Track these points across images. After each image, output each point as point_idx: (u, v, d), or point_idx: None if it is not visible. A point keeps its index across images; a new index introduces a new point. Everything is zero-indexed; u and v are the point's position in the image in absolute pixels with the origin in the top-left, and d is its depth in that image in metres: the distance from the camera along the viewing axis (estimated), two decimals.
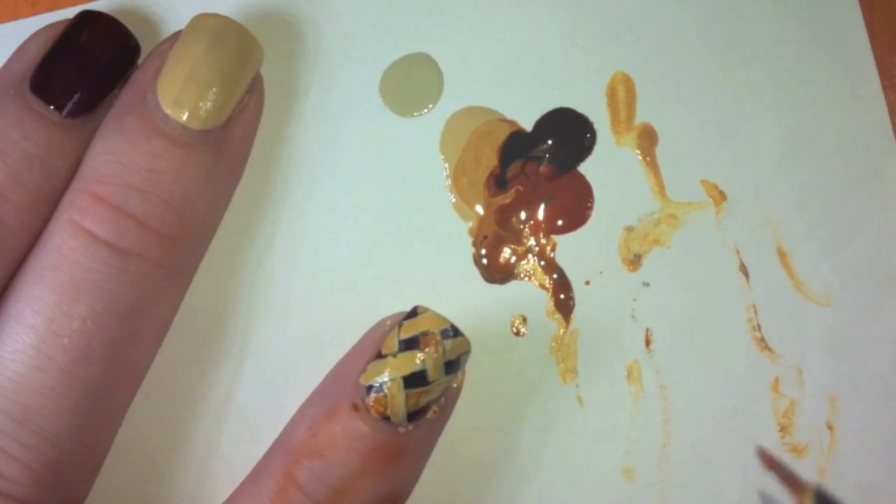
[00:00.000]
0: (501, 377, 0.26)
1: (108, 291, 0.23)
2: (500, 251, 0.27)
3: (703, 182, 0.27)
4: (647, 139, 0.27)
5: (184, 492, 0.26)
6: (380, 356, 0.23)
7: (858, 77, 0.27)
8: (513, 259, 0.27)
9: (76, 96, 0.24)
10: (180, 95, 0.23)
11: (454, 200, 0.27)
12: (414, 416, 0.23)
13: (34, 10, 0.27)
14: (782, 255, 0.27)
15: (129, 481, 0.26)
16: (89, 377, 0.23)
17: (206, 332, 0.26)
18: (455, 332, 0.23)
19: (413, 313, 0.24)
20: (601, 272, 0.27)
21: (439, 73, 0.27)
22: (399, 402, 0.23)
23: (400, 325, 0.23)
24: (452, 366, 0.23)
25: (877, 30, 0.27)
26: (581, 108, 0.27)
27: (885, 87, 0.27)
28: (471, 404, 0.26)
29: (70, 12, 0.25)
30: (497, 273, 0.27)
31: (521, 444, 0.26)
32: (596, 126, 0.27)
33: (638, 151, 0.27)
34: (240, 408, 0.26)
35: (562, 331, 0.27)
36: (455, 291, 0.27)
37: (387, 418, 0.23)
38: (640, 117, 0.27)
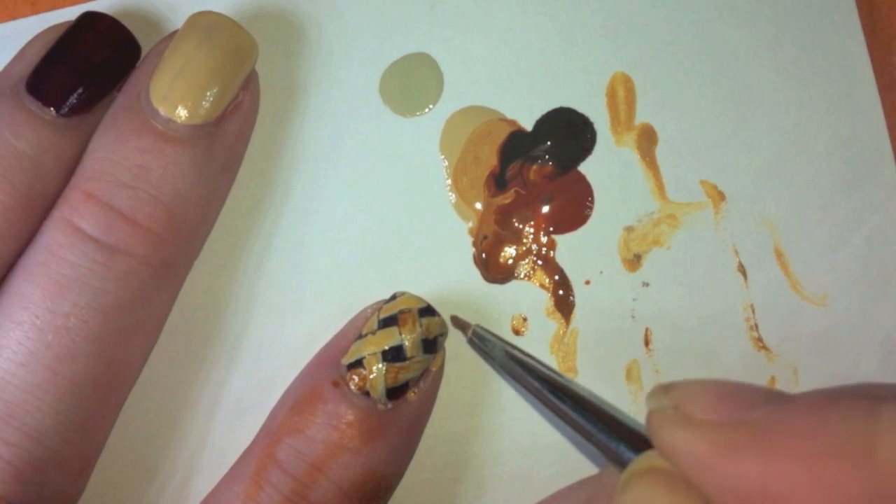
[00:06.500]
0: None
1: (94, 288, 0.23)
2: (500, 251, 0.27)
3: (702, 182, 0.27)
4: (647, 139, 0.27)
5: (180, 491, 0.26)
6: (360, 337, 0.24)
7: (855, 79, 0.27)
8: (512, 259, 0.27)
9: (71, 96, 0.24)
10: (170, 91, 0.23)
11: (454, 200, 0.27)
12: (393, 393, 0.23)
13: (34, 10, 0.27)
14: (780, 255, 0.27)
15: (125, 480, 0.26)
16: (74, 374, 0.23)
17: (205, 331, 0.26)
18: (432, 311, 0.24)
19: (392, 298, 0.24)
20: (601, 272, 0.27)
21: (439, 73, 0.27)
22: (378, 377, 0.23)
23: (379, 309, 0.24)
24: (430, 346, 0.24)
25: (874, 31, 0.27)
26: (581, 108, 0.27)
27: (881, 89, 0.27)
28: (471, 403, 0.26)
29: (70, 12, 0.25)
30: (497, 273, 0.27)
31: (521, 443, 0.26)
32: (596, 126, 0.27)
33: (638, 151, 0.27)
34: (238, 408, 0.26)
35: (562, 330, 0.27)
36: (455, 291, 0.27)
37: (366, 394, 0.23)
38: (640, 117, 0.27)
